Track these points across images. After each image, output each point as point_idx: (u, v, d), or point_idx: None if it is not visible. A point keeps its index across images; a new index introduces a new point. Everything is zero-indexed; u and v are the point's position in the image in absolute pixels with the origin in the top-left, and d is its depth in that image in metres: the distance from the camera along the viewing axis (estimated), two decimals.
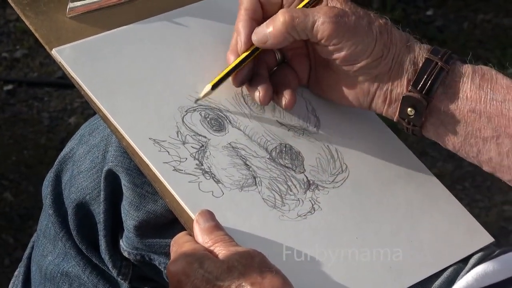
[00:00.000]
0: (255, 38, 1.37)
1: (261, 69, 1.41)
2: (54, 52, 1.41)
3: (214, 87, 1.40)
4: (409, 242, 1.37)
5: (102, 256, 1.45)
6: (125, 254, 1.42)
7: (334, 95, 1.40)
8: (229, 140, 1.39)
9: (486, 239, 1.38)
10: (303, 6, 1.37)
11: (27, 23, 1.43)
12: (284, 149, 1.40)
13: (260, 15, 1.39)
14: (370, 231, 1.36)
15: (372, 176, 1.41)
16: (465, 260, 1.34)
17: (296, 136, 1.42)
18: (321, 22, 1.32)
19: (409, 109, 1.33)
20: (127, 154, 1.37)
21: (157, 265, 1.40)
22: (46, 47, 1.42)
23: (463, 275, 1.22)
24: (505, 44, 2.94)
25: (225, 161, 1.37)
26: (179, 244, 1.25)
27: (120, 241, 1.43)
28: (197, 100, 1.41)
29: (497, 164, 1.31)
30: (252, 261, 1.20)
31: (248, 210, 1.33)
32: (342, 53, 1.34)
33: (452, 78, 1.32)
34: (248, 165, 1.37)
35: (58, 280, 1.50)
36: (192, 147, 1.37)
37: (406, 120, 1.34)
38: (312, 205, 1.37)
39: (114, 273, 1.45)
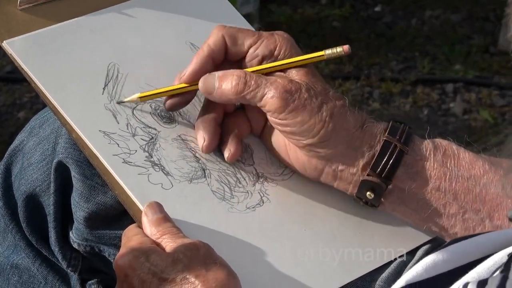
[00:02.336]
0: (201, 85, 1.35)
1: (217, 111, 1.37)
2: (5, 44, 1.40)
3: (142, 98, 1.39)
4: (356, 235, 1.37)
5: (52, 248, 1.44)
6: (75, 245, 1.41)
7: (282, 158, 1.38)
8: (179, 132, 1.39)
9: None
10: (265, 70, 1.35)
11: None
12: None
13: (221, 57, 1.36)
14: (318, 223, 1.36)
15: None
16: (412, 253, 1.34)
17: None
18: (270, 96, 1.30)
19: (368, 192, 1.31)
20: (77, 146, 1.36)
21: (107, 256, 1.39)
22: None
23: (411, 266, 1.22)
24: (452, 40, 2.97)
25: (174, 153, 1.37)
26: (127, 237, 1.26)
27: (70, 233, 1.42)
28: (119, 102, 1.39)
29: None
30: (197, 253, 1.21)
31: (197, 202, 1.33)
32: (287, 128, 1.32)
33: (413, 157, 1.31)
34: (197, 157, 1.37)
35: (7, 272, 1.49)
36: (142, 139, 1.36)
37: (364, 200, 1.33)
38: (261, 197, 1.37)
39: (64, 265, 1.44)
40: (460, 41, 2.95)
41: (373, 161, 1.31)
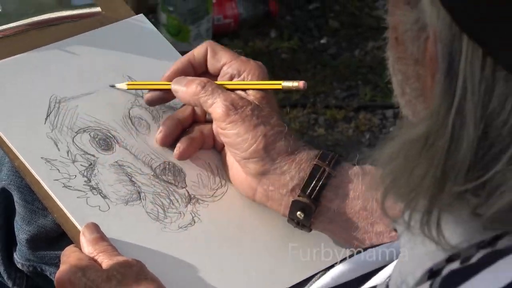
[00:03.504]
0: (173, 83, 1.39)
1: (186, 114, 1.42)
2: None
3: (129, 86, 1.45)
4: (282, 252, 1.38)
5: None
6: (19, 265, 1.43)
7: (228, 175, 1.41)
8: (116, 158, 1.41)
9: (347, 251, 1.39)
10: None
11: None
12: (168, 166, 1.42)
13: (202, 66, 1.41)
14: (247, 240, 1.38)
15: None
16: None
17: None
18: (217, 104, 1.33)
19: (298, 212, 1.32)
20: (19, 173, 1.38)
21: (48, 275, 1.41)
22: None
23: (320, 277, 1.23)
24: None
25: (112, 178, 1.38)
26: (66, 255, 1.27)
27: (14, 254, 1.43)
28: (112, 86, 1.46)
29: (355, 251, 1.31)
30: (130, 270, 1.23)
31: (132, 222, 1.35)
32: (226, 139, 1.35)
33: (341, 180, 1.32)
34: (133, 181, 1.39)
35: None
36: (81, 165, 1.38)
37: (295, 220, 1.34)
38: (193, 217, 1.38)
39: (9, 283, 1.45)
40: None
41: (303, 183, 1.32)
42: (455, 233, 0.89)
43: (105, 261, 1.24)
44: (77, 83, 1.46)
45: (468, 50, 0.82)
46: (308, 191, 1.32)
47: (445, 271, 0.89)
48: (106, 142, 1.42)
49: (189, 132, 1.41)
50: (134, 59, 1.51)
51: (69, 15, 1.54)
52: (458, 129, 0.83)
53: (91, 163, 1.39)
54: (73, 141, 1.40)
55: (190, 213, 1.39)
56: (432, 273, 0.91)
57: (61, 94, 1.44)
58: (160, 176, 1.41)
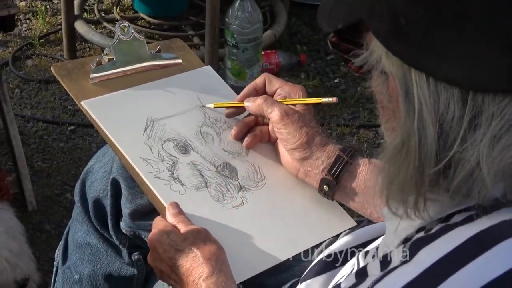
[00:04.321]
0: (245, 102, 1.40)
1: (251, 119, 1.42)
2: (83, 103, 1.42)
3: (215, 106, 1.46)
4: (304, 224, 1.36)
5: (110, 232, 1.45)
6: (123, 231, 1.42)
7: (280, 160, 1.41)
8: (191, 159, 1.40)
9: (352, 222, 1.38)
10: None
11: (63, 86, 1.44)
12: (225, 165, 1.41)
13: (262, 90, 1.41)
14: (279, 216, 1.37)
15: (281, 183, 1.41)
16: (338, 235, 1.35)
17: (233, 158, 1.42)
18: (274, 112, 1.34)
19: (324, 186, 1.34)
20: (125, 168, 1.38)
21: (143, 237, 1.40)
22: (76, 100, 1.43)
23: (331, 242, 1.23)
24: None
25: (187, 172, 1.37)
26: (156, 223, 1.27)
27: (121, 223, 1.42)
28: (203, 106, 1.46)
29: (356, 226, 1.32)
30: (199, 234, 1.22)
31: (201, 203, 1.34)
32: (280, 136, 1.36)
33: (354, 167, 1.32)
34: (202, 175, 1.38)
35: (83, 247, 1.50)
36: (167, 163, 1.37)
37: (323, 191, 1.34)
38: (242, 200, 1.37)
39: (117, 242, 1.46)
40: None
41: (329, 167, 1.33)
42: (432, 211, 0.90)
43: (183, 228, 1.23)
44: (165, 109, 1.45)
45: (415, 77, 0.84)
46: (332, 172, 1.33)
47: (414, 238, 0.90)
48: (184, 148, 1.41)
49: (253, 130, 1.42)
50: (202, 95, 1.50)
51: (160, 64, 1.53)
52: (422, 130, 0.85)
53: (174, 162, 1.38)
54: (162, 147, 1.39)
55: (241, 198, 1.37)
56: (405, 240, 0.92)
57: (154, 116, 1.44)
58: (220, 172, 1.39)
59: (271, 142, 1.43)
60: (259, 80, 1.41)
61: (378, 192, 0.92)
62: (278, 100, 1.37)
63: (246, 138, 1.41)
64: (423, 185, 0.87)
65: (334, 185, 1.33)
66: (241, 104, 1.41)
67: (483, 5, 0.81)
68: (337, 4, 0.94)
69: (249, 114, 1.43)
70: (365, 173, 1.32)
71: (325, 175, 1.33)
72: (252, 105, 1.38)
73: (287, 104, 1.36)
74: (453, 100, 0.83)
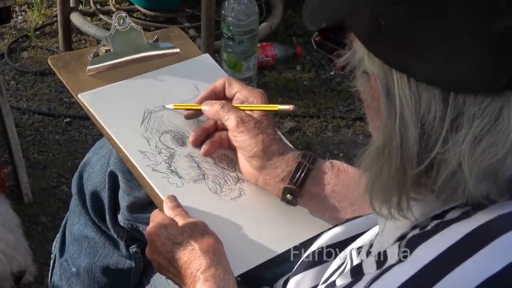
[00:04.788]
0: (202, 106, 1.37)
1: (210, 124, 1.39)
2: (80, 96, 1.41)
3: (175, 107, 1.42)
4: (302, 216, 1.35)
5: (108, 225, 1.45)
6: (121, 223, 1.42)
7: (240, 167, 1.38)
8: (188, 151, 1.39)
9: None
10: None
11: (60, 78, 1.43)
12: (223, 157, 1.40)
13: (222, 93, 1.38)
14: (277, 208, 1.35)
15: None
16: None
17: (230, 149, 1.40)
18: (231, 119, 1.32)
19: (288, 195, 1.31)
20: (122, 161, 1.37)
21: (141, 230, 1.39)
22: (73, 93, 1.42)
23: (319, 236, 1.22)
24: None
25: (185, 164, 1.36)
26: (154, 216, 1.26)
27: (118, 216, 1.42)
28: (163, 107, 1.42)
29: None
30: (197, 227, 1.21)
31: (198, 195, 1.33)
32: (237, 144, 1.33)
33: (317, 172, 1.30)
34: (200, 167, 1.37)
35: (81, 240, 1.49)
36: (165, 155, 1.37)
37: (285, 200, 1.32)
38: (240, 192, 1.36)
39: (115, 235, 1.45)
40: None
41: (290, 175, 1.30)
42: (417, 211, 0.89)
43: (180, 221, 1.23)
44: (163, 100, 1.44)
45: (396, 77, 0.84)
46: (294, 180, 1.30)
47: (409, 235, 0.89)
48: (182, 140, 1.40)
49: (211, 137, 1.39)
50: (200, 84, 1.48)
51: (158, 54, 1.52)
52: (404, 131, 0.84)
53: (171, 154, 1.37)
54: (159, 139, 1.38)
55: (238, 189, 1.37)
56: (400, 237, 0.91)
57: (151, 107, 1.43)
58: (218, 164, 1.39)
59: (231, 149, 1.40)
60: (219, 83, 1.38)
61: (362, 192, 0.91)
62: (236, 106, 1.34)
63: (203, 146, 1.37)
64: (406, 185, 0.87)
65: (297, 193, 1.30)
66: (199, 107, 1.38)
67: (460, 4, 0.81)
68: (321, 3, 0.93)
69: (208, 119, 1.40)
70: (330, 178, 1.30)
71: (288, 184, 1.31)
72: (209, 109, 1.35)
73: (244, 110, 1.33)
74: (435, 101, 0.83)
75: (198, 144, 1.38)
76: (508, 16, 0.81)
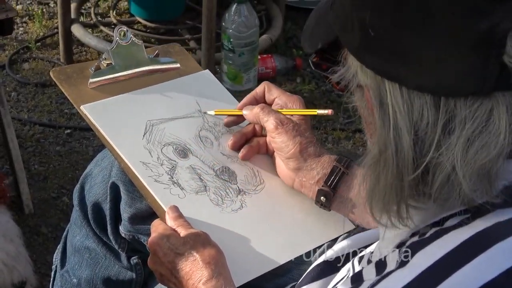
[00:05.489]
0: (244, 110, 1.39)
1: (249, 130, 1.41)
2: (82, 108, 1.41)
3: (216, 113, 1.45)
4: (303, 228, 1.36)
5: (109, 236, 1.45)
6: (123, 235, 1.42)
7: (277, 170, 1.40)
8: (190, 163, 1.39)
9: (350, 225, 1.38)
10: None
11: (63, 90, 1.44)
12: (224, 169, 1.41)
13: (262, 99, 1.40)
14: (278, 220, 1.36)
15: (279, 187, 1.41)
16: (335, 239, 1.34)
17: (232, 162, 1.42)
18: (270, 121, 1.34)
19: (322, 197, 1.32)
20: (124, 172, 1.37)
21: (143, 241, 1.40)
22: (75, 105, 1.42)
23: (327, 248, 1.23)
24: None
25: (187, 176, 1.37)
26: (155, 226, 1.27)
27: (120, 227, 1.42)
28: (205, 113, 1.46)
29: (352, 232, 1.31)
30: (199, 238, 1.22)
31: (200, 206, 1.34)
32: (275, 144, 1.35)
33: (351, 177, 1.31)
34: (201, 179, 1.38)
35: (82, 251, 1.50)
36: (167, 167, 1.37)
37: (320, 203, 1.33)
38: (241, 204, 1.37)
39: (116, 247, 1.45)
40: None
41: (325, 178, 1.32)
42: (417, 218, 0.90)
43: (182, 232, 1.24)
44: (164, 113, 1.45)
45: (389, 87, 0.86)
46: (329, 183, 1.31)
47: (408, 243, 0.90)
48: (183, 152, 1.41)
49: (250, 142, 1.41)
50: (202, 99, 1.50)
51: (158, 68, 1.53)
52: (398, 139, 0.86)
53: (173, 166, 1.38)
54: (161, 151, 1.39)
55: (240, 201, 1.37)
56: (399, 244, 0.92)
57: (153, 120, 1.43)
58: (219, 176, 1.39)
59: (269, 154, 1.42)
60: (259, 89, 1.41)
61: (363, 202, 0.92)
62: (275, 110, 1.37)
63: (242, 150, 1.40)
64: (404, 193, 0.88)
65: (331, 196, 1.31)
66: (240, 112, 1.41)
67: (443, 10, 0.83)
68: (317, 25, 0.96)
69: (248, 124, 1.43)
70: None
71: (322, 186, 1.32)
72: (249, 113, 1.38)
73: (283, 114, 1.36)
74: (427, 107, 0.85)
75: (236, 148, 1.41)
76: (490, 16, 0.83)
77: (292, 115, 1.36)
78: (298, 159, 1.32)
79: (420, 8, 0.83)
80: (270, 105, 1.39)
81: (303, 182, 1.34)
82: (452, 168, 0.85)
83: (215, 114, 1.45)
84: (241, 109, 1.41)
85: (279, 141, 1.33)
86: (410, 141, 0.85)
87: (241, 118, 1.42)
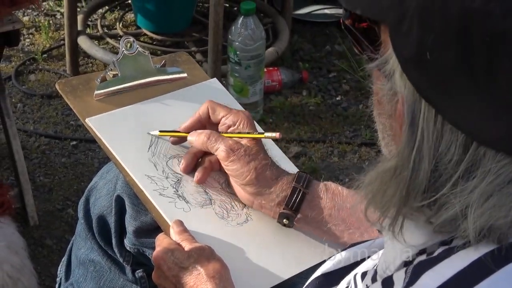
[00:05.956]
0: (188, 137, 1.36)
1: (199, 150, 1.37)
2: (87, 121, 1.41)
3: (160, 134, 1.41)
4: (309, 242, 1.35)
5: (114, 249, 1.44)
6: (127, 248, 1.42)
7: (235, 192, 1.37)
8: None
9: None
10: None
11: (68, 103, 1.44)
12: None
13: (206, 119, 1.37)
14: (283, 234, 1.35)
15: None
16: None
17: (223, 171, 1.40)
18: (220, 149, 1.31)
19: (284, 220, 1.32)
20: (129, 185, 1.37)
21: (148, 255, 1.39)
22: (80, 118, 1.42)
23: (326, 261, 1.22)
24: None
25: (192, 189, 1.36)
26: (160, 240, 1.26)
27: (125, 240, 1.42)
28: (147, 133, 1.41)
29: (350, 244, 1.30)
30: (203, 252, 1.21)
31: (205, 220, 1.33)
32: (229, 172, 1.33)
33: (312, 196, 1.30)
34: (206, 192, 1.37)
35: (87, 264, 1.49)
36: (172, 180, 1.37)
37: (282, 224, 1.33)
38: (247, 217, 1.36)
39: (121, 260, 1.45)
40: None
41: (286, 200, 1.31)
42: (413, 235, 0.89)
43: (187, 246, 1.23)
44: (171, 125, 1.44)
45: (425, 109, 0.82)
46: (290, 205, 1.30)
47: (416, 261, 0.89)
48: None
49: (202, 163, 1.37)
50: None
51: (165, 78, 1.53)
52: (418, 164, 0.83)
53: (178, 179, 1.37)
54: (166, 164, 1.39)
55: (245, 214, 1.36)
56: (406, 263, 0.91)
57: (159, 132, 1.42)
58: (225, 189, 1.38)
59: (222, 171, 1.38)
60: (202, 110, 1.37)
61: (357, 209, 0.90)
62: (223, 134, 1.34)
63: (196, 174, 1.36)
64: (405, 211, 0.86)
65: (293, 218, 1.31)
66: (185, 135, 1.37)
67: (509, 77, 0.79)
68: None
69: None
70: (326, 202, 1.30)
71: (283, 209, 1.31)
72: (196, 140, 1.34)
73: (232, 138, 1.33)
74: (455, 144, 0.82)
75: (189, 171, 1.37)
76: None
77: (241, 138, 1.33)
78: (255, 184, 1.31)
79: (490, 64, 0.79)
80: (216, 124, 1.36)
81: (263, 204, 1.33)
82: (461, 212, 0.83)
83: (159, 136, 1.41)
84: (185, 131, 1.37)
85: (233, 169, 1.31)
86: (429, 170, 0.83)
87: (184, 139, 1.39)
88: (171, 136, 1.41)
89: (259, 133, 1.34)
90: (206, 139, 1.33)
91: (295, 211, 1.30)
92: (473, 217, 0.82)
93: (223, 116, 1.35)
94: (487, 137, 0.81)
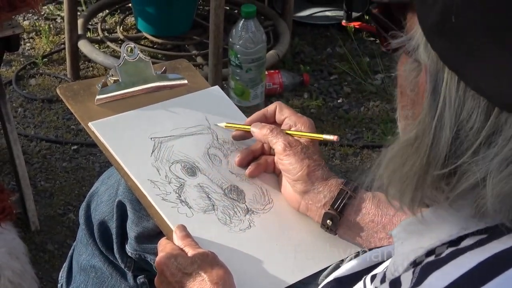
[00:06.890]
0: (251, 127, 1.39)
1: (257, 148, 1.42)
2: (90, 125, 1.40)
3: (226, 126, 1.45)
4: (312, 248, 1.34)
5: (115, 255, 1.44)
6: (129, 254, 1.41)
7: (282, 192, 1.39)
8: (198, 181, 1.38)
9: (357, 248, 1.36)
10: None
11: (69, 108, 1.43)
12: (233, 188, 1.39)
13: (272, 118, 1.40)
14: (286, 240, 1.35)
15: (288, 206, 1.39)
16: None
17: (241, 181, 1.41)
18: (278, 143, 1.34)
19: (328, 220, 1.32)
20: (131, 190, 1.36)
21: (149, 261, 1.38)
22: (82, 122, 1.41)
23: (335, 268, 1.22)
24: (386, 120, 2.94)
25: (195, 195, 1.36)
26: (162, 245, 1.26)
27: (126, 246, 1.41)
28: (215, 124, 1.45)
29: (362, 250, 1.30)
30: (207, 258, 1.21)
31: (208, 225, 1.32)
32: (282, 166, 1.35)
33: (359, 201, 1.31)
34: (209, 197, 1.37)
35: (88, 270, 1.48)
36: (175, 185, 1.36)
37: (326, 226, 1.33)
38: (249, 223, 1.36)
39: (122, 266, 1.44)
40: (391, 121, 2.93)
41: (332, 201, 1.31)
42: (445, 224, 0.89)
43: (190, 251, 1.22)
44: (173, 131, 1.44)
45: (447, 77, 0.82)
46: (335, 206, 1.31)
47: (424, 262, 0.89)
48: (192, 170, 1.39)
49: (258, 159, 1.41)
50: (211, 116, 1.48)
51: (166, 85, 1.52)
52: (439, 131, 0.84)
53: (181, 184, 1.37)
54: (169, 169, 1.38)
55: (248, 220, 1.36)
56: (415, 264, 0.91)
57: (162, 137, 1.42)
58: (227, 195, 1.38)
59: (275, 173, 1.41)
60: (270, 108, 1.41)
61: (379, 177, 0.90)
62: (285, 131, 1.36)
63: (249, 166, 1.40)
64: (423, 185, 0.86)
65: (337, 219, 1.31)
66: (248, 128, 1.41)
67: None
68: None
69: (257, 142, 1.42)
70: (370, 207, 1.31)
71: (328, 209, 1.31)
72: (258, 132, 1.38)
73: (292, 136, 1.35)
74: (477, 111, 0.82)
75: (243, 164, 1.41)
76: None
77: (300, 137, 1.35)
78: (305, 181, 1.32)
79: None
80: (280, 124, 1.39)
81: (309, 205, 1.33)
82: (481, 180, 0.82)
83: (226, 127, 1.45)
84: (249, 124, 1.41)
85: (287, 163, 1.33)
86: (450, 137, 0.83)
87: (249, 134, 1.42)
88: (237, 129, 1.44)
89: (317, 135, 1.36)
90: (269, 131, 1.36)
91: (339, 213, 1.31)
92: (493, 183, 0.82)
93: (287, 117, 1.39)
94: (509, 101, 0.80)
